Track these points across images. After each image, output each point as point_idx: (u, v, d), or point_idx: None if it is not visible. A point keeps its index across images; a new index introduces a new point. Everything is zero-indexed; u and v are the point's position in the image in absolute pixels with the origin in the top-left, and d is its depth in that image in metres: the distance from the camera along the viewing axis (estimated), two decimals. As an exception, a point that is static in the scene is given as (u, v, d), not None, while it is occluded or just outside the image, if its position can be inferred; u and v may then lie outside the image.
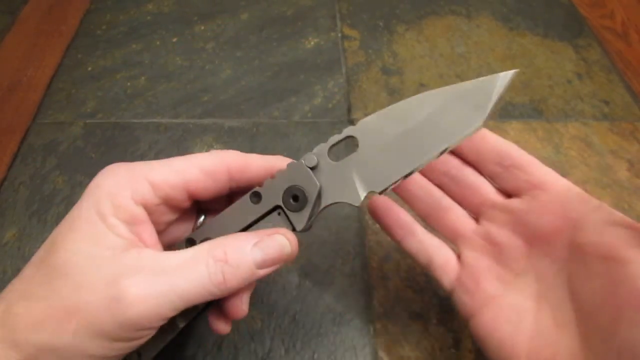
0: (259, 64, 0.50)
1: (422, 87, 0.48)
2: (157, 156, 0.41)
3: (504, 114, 0.45)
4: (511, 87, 0.48)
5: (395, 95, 0.47)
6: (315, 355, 0.31)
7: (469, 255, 0.25)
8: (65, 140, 0.42)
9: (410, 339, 0.31)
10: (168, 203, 0.23)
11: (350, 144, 0.23)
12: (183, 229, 0.26)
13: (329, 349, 0.31)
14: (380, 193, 0.22)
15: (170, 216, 0.24)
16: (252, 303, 0.33)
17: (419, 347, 0.31)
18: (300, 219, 0.22)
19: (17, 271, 0.34)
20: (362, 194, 0.22)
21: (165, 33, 0.53)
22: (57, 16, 0.55)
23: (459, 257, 0.26)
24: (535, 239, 0.23)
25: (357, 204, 0.22)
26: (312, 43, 0.52)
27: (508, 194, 0.25)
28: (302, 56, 0.50)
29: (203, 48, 0.51)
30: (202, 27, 0.54)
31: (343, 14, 0.56)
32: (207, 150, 0.42)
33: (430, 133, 0.21)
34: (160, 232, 0.23)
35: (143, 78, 0.48)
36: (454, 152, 0.26)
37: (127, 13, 0.55)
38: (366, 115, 0.28)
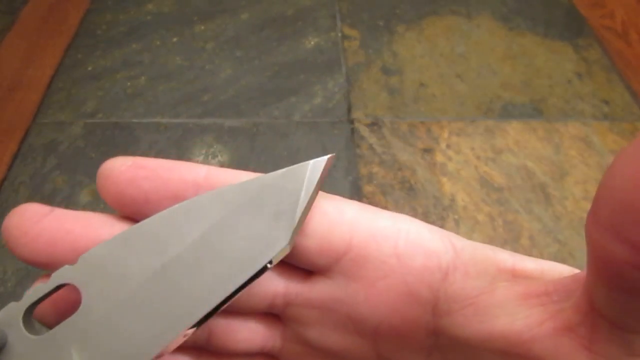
0: (259, 64, 0.50)
1: (422, 86, 0.48)
2: (157, 156, 0.41)
3: (504, 113, 0.45)
4: (511, 86, 0.48)
5: (395, 94, 0.47)
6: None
7: None
8: (65, 140, 0.42)
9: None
10: None
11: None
12: None
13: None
14: None
15: None
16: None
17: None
18: None
19: (17, 271, 0.34)
20: None
21: (165, 33, 0.53)
22: (57, 16, 0.55)
23: None
24: (378, 335, 0.14)
25: None
26: (312, 43, 0.52)
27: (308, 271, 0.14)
28: (302, 56, 0.50)
29: (203, 48, 0.51)
30: (202, 27, 0.54)
31: (343, 14, 0.56)
32: (207, 151, 0.42)
33: (202, 270, 0.12)
34: None
35: (143, 78, 0.48)
36: None
37: (127, 13, 0.55)
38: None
